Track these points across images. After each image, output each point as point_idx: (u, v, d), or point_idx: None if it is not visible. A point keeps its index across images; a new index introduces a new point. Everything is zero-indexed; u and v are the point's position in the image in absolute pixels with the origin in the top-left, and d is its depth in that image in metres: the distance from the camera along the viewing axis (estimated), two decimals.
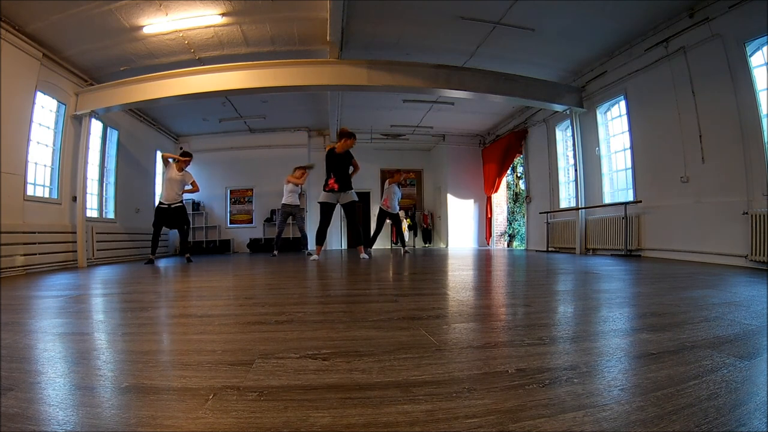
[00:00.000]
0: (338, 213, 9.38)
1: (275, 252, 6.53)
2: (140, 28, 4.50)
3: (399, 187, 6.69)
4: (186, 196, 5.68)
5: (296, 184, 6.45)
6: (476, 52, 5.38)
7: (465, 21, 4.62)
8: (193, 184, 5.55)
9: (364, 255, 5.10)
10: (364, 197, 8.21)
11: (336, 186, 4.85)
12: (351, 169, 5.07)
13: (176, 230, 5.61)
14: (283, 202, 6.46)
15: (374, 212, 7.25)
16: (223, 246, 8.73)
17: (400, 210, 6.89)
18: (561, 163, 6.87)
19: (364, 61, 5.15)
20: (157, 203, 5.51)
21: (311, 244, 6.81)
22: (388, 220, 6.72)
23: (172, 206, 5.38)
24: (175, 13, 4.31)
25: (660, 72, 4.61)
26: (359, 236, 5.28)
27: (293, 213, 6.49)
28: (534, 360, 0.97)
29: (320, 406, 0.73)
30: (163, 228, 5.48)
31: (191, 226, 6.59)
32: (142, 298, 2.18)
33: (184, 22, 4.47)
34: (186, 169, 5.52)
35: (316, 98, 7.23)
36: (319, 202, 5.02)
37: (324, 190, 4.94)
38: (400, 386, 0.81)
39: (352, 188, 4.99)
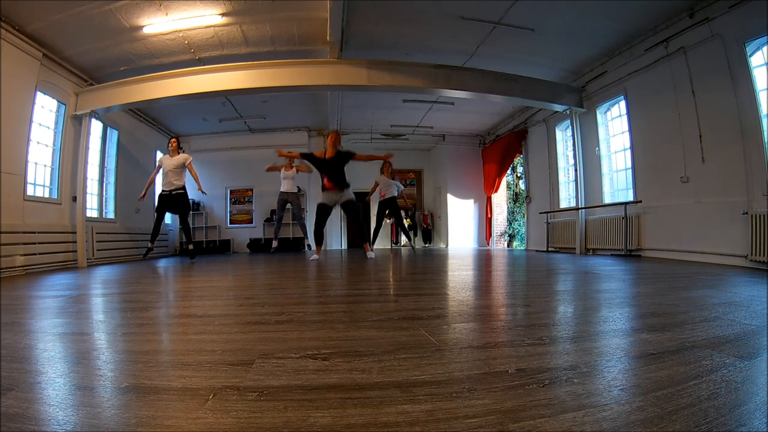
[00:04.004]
0: (337, 213, 9.40)
1: (274, 243, 6.42)
2: (140, 28, 4.50)
3: (394, 178, 6.58)
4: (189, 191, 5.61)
5: (286, 170, 6.30)
6: (476, 52, 5.38)
7: (465, 21, 4.62)
8: (191, 168, 5.34)
9: (370, 253, 5.05)
10: (365, 197, 8.18)
11: (329, 185, 4.82)
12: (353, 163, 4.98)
13: (178, 220, 5.51)
14: (280, 190, 6.38)
15: (374, 211, 7.22)
16: (223, 246, 8.73)
17: (399, 199, 6.79)
18: (561, 163, 6.87)
19: (364, 61, 5.15)
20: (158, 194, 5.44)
21: (311, 237, 6.79)
22: (387, 220, 6.67)
23: (173, 192, 5.29)
24: (175, 13, 4.31)
25: (660, 72, 4.61)
26: (363, 234, 5.26)
27: (290, 200, 6.40)
28: (534, 360, 0.97)
29: (320, 406, 0.73)
30: (162, 228, 5.47)
31: (192, 226, 6.52)
32: (142, 298, 2.18)
33: (184, 22, 4.47)
34: (181, 152, 5.42)
35: (316, 98, 7.23)
36: (318, 204, 5.01)
37: (323, 191, 4.94)
38: (400, 386, 0.81)
39: (348, 186, 4.95)
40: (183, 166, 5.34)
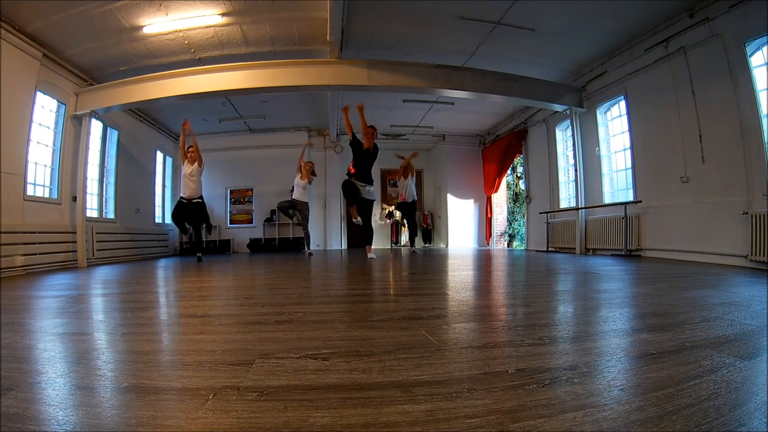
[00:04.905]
0: (338, 213, 9.41)
1: (295, 219, 6.83)
2: (140, 28, 4.50)
3: (410, 178, 6.84)
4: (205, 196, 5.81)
5: (301, 178, 6.58)
6: (476, 52, 5.38)
7: (465, 21, 4.62)
8: (199, 160, 5.58)
9: (371, 255, 5.10)
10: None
11: (353, 170, 5.02)
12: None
13: (193, 225, 5.84)
14: (292, 197, 6.66)
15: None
16: (223, 246, 8.73)
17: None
18: (561, 163, 6.86)
19: (364, 61, 5.15)
20: (178, 198, 5.74)
21: (313, 245, 6.94)
22: (388, 220, 6.87)
23: (193, 201, 5.56)
24: (175, 13, 4.31)
25: (660, 72, 4.60)
26: (368, 237, 5.30)
27: (299, 208, 6.61)
28: (534, 360, 0.97)
29: (320, 406, 0.73)
30: (163, 228, 5.53)
31: (212, 224, 6.68)
32: (142, 298, 2.18)
33: (184, 22, 4.46)
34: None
35: (316, 98, 7.23)
36: (343, 183, 5.13)
37: (347, 175, 5.10)
38: (400, 386, 0.81)
39: (372, 183, 5.13)
40: (200, 173, 5.62)
